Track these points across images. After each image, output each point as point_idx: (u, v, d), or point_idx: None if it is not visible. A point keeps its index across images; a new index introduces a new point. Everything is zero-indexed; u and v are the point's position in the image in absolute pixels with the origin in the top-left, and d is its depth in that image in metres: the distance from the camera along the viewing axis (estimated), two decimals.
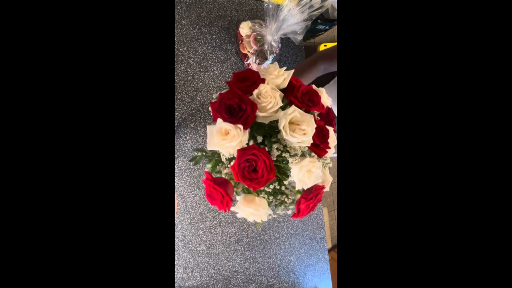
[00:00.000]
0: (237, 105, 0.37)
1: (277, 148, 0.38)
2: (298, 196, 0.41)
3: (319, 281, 0.90)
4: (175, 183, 0.73)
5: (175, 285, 0.72)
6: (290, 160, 0.38)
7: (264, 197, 0.41)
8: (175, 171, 0.73)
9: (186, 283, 0.73)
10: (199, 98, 0.77)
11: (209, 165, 0.46)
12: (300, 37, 0.67)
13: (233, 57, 0.82)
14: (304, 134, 0.37)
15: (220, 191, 0.37)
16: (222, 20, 0.81)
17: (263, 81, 0.40)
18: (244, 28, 0.75)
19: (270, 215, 0.40)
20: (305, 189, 0.39)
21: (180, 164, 0.74)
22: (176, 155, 0.74)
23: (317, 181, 0.38)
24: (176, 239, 0.72)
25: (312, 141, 0.37)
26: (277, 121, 0.38)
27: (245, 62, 0.82)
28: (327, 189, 0.42)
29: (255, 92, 0.38)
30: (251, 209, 0.39)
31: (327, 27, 1.44)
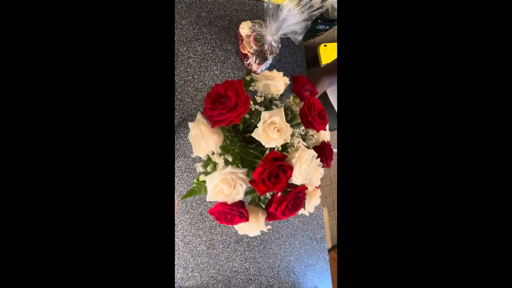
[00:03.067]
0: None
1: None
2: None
3: (319, 281, 0.90)
4: (175, 183, 0.73)
5: (175, 285, 0.72)
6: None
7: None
8: (175, 171, 0.73)
9: (186, 283, 0.73)
10: (199, 98, 0.77)
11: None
12: (300, 37, 0.67)
13: (233, 57, 0.82)
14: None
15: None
16: (222, 20, 0.81)
17: None
18: (244, 28, 0.75)
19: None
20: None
21: (180, 164, 0.74)
22: (176, 155, 0.74)
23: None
24: (176, 239, 0.72)
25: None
26: None
27: (245, 62, 0.82)
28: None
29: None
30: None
31: (327, 27, 1.45)
